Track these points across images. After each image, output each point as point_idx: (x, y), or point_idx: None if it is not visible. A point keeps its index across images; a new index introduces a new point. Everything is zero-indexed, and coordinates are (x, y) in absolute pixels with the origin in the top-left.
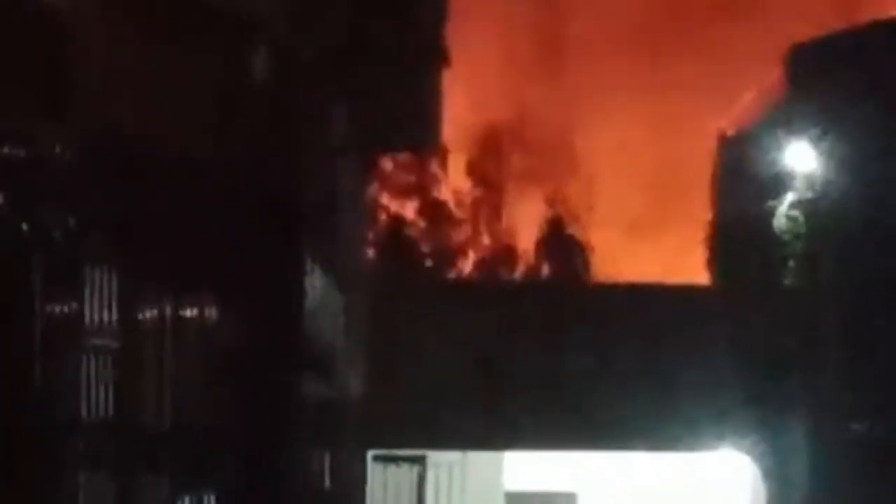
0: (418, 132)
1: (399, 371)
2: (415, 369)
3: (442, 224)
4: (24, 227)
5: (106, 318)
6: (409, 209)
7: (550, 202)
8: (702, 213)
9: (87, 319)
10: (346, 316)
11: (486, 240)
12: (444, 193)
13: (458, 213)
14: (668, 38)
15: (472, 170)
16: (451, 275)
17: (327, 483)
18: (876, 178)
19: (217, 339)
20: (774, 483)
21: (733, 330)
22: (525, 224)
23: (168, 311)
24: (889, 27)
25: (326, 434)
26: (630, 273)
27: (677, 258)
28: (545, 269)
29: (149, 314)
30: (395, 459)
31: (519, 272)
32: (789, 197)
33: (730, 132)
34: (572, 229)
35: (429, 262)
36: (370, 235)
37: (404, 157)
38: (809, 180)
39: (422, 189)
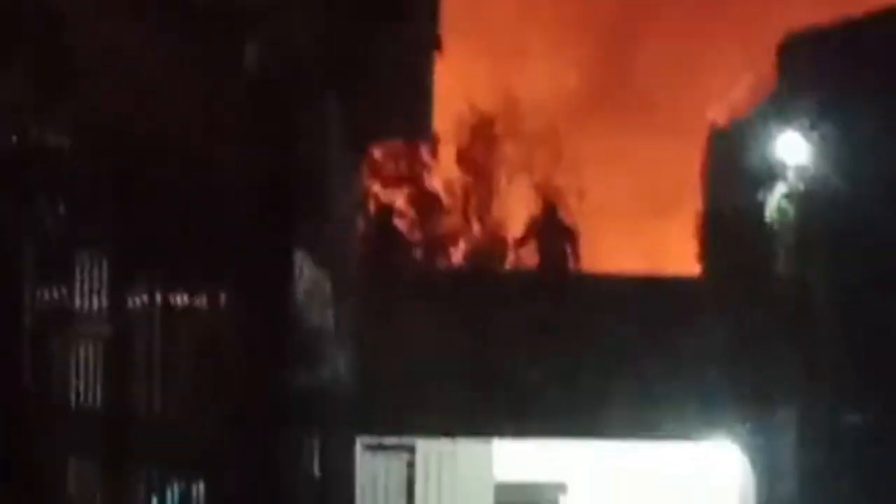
0: (409, 121)
1: (388, 358)
2: (404, 357)
3: (432, 213)
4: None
5: (96, 305)
6: (400, 198)
7: (541, 191)
8: (693, 204)
9: (77, 307)
10: (336, 303)
11: (476, 228)
12: (435, 182)
13: (449, 201)
14: (659, 26)
15: (463, 159)
16: (441, 263)
17: (317, 471)
18: (867, 170)
19: (207, 328)
20: (763, 474)
21: (723, 321)
22: (515, 213)
23: (158, 299)
24: (882, 19)
25: (316, 422)
26: (620, 263)
27: (668, 248)
28: (534, 258)
29: (139, 302)
30: (384, 448)
31: (509, 261)
32: (780, 188)
33: (721, 123)
34: (562, 218)
35: (419, 251)
36: (361, 223)
37: (395, 145)
38: (800, 172)
39: (412, 178)
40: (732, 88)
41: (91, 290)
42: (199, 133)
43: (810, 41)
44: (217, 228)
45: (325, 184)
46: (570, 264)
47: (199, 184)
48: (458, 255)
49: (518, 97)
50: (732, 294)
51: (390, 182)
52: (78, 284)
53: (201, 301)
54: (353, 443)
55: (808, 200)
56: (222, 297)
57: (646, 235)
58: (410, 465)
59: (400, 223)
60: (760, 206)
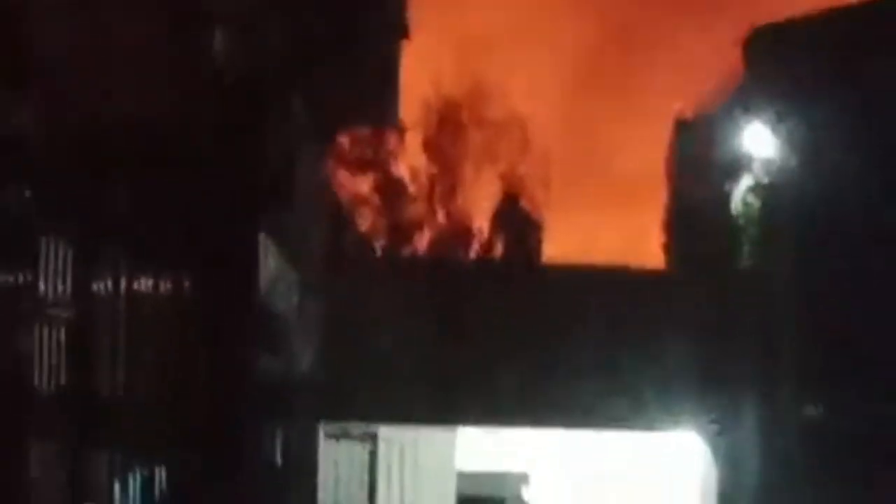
0: (376, 109)
1: (351, 346)
2: (367, 344)
3: (397, 200)
4: None
5: (61, 289)
6: (365, 185)
7: (506, 180)
8: (659, 196)
9: (41, 290)
10: (300, 291)
11: (441, 217)
12: (401, 170)
13: (414, 189)
14: (629, 16)
15: (429, 147)
16: (406, 251)
17: (279, 458)
18: (832, 163)
19: (171, 313)
20: (725, 463)
21: (688, 312)
22: (480, 202)
23: (123, 283)
24: (847, 13)
25: (279, 408)
26: (585, 254)
27: (633, 240)
28: (499, 247)
29: (104, 286)
30: (346, 437)
31: (473, 250)
32: (746, 182)
33: (687, 116)
34: (527, 207)
35: (383, 239)
36: (325, 211)
37: (362, 133)
38: (766, 165)
39: (378, 165)
40: (700, 81)
41: (56, 274)
42: (167, 119)
43: (775, 35)
44: (183, 213)
45: (291, 170)
46: (535, 254)
47: (165, 169)
48: (422, 243)
49: (485, 85)
50: (698, 286)
51: (356, 169)
52: (43, 268)
53: (166, 286)
54: (315, 430)
55: (773, 193)
56: (187, 282)
57: (612, 227)
58: (372, 454)
59: (365, 211)
60: (726, 199)
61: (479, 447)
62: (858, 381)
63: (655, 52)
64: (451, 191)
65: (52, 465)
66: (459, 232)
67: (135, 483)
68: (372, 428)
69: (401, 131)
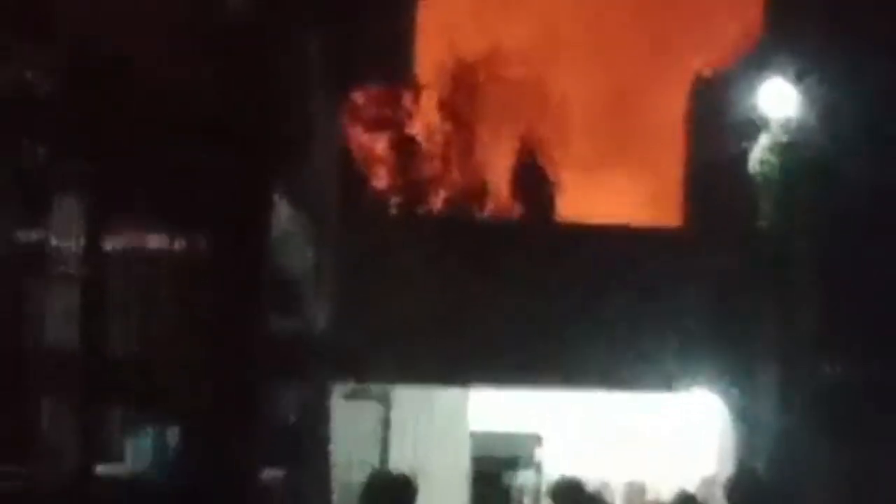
0: (391, 66)
1: (367, 305)
2: (383, 304)
3: (413, 159)
4: None
5: (73, 246)
6: (381, 143)
7: (523, 139)
8: (677, 154)
9: (53, 247)
10: (315, 249)
11: (456, 176)
12: (416, 128)
13: (430, 148)
14: None
15: (444, 105)
16: (421, 210)
17: (293, 418)
18: (851, 121)
19: (184, 271)
20: (744, 426)
21: (706, 272)
22: (497, 161)
23: (136, 241)
24: None
25: (293, 368)
26: (602, 213)
27: (651, 199)
28: (516, 207)
29: (116, 244)
30: (360, 398)
31: (489, 209)
32: (764, 140)
33: (706, 74)
34: (544, 166)
35: (399, 197)
36: (340, 168)
37: (377, 90)
38: (785, 124)
39: (394, 123)
40: (719, 38)
41: (69, 232)
42: (180, 76)
43: None
44: (196, 172)
45: (305, 127)
46: (552, 213)
47: (178, 126)
48: (438, 202)
49: (501, 44)
50: (715, 246)
51: (372, 127)
52: (55, 226)
53: (179, 244)
54: (329, 391)
55: (792, 152)
56: (200, 241)
57: (628, 186)
58: (386, 415)
59: (381, 169)
60: (744, 158)
61: (492, 408)
62: (877, 340)
63: (675, 9)
64: (467, 150)
65: (64, 424)
66: (475, 191)
67: (147, 442)
68: (386, 388)
69: (417, 89)
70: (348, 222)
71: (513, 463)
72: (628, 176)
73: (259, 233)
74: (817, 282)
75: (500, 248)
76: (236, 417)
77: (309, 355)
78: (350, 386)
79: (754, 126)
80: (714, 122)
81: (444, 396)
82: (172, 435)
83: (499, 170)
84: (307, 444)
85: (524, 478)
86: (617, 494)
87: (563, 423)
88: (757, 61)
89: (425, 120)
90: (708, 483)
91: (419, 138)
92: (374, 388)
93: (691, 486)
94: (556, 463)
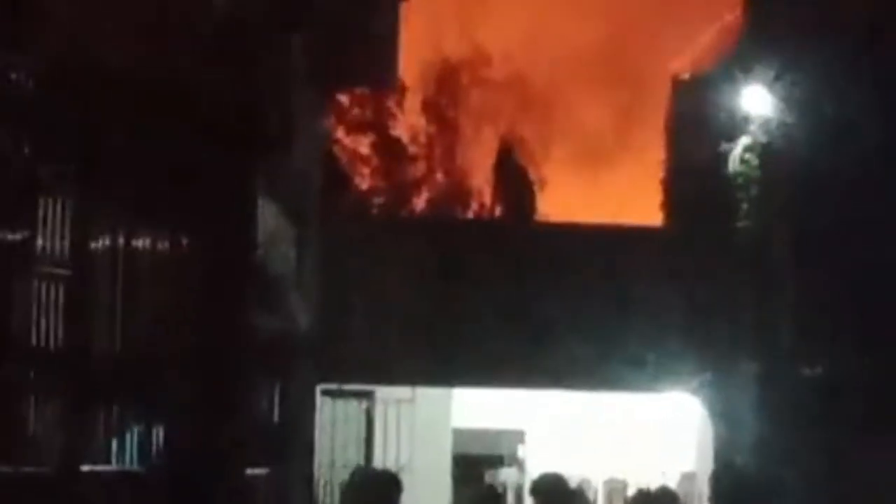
0: (375, 68)
1: (349, 306)
2: (365, 305)
3: (396, 160)
4: None
5: (59, 246)
6: (364, 145)
7: (505, 140)
8: (657, 154)
9: (39, 247)
10: (299, 249)
11: (440, 176)
12: (400, 129)
13: (413, 149)
14: None
15: (428, 107)
16: (405, 210)
17: (277, 416)
18: (831, 121)
19: (169, 270)
20: (722, 425)
21: (686, 271)
22: (480, 162)
23: (121, 240)
24: None
25: (277, 367)
26: (582, 212)
27: (630, 199)
28: (498, 207)
29: (101, 243)
30: (343, 395)
31: (472, 209)
32: (744, 140)
33: (685, 74)
34: (525, 166)
35: (382, 198)
36: (324, 169)
37: (361, 92)
38: (764, 124)
39: (377, 125)
40: (698, 38)
41: (54, 231)
42: (164, 74)
43: None
44: (181, 170)
45: (289, 128)
46: (531, 207)
47: (163, 125)
48: (421, 203)
49: (485, 45)
50: (695, 245)
51: (356, 128)
52: (41, 224)
53: (164, 243)
54: (313, 389)
55: (772, 152)
56: (185, 240)
57: (610, 185)
58: (369, 412)
59: (364, 170)
60: (724, 157)
61: (475, 405)
62: (856, 338)
63: (656, 9)
64: (451, 151)
65: (49, 424)
66: (458, 192)
67: (132, 442)
68: (369, 386)
69: (400, 91)
70: (332, 222)
71: (495, 459)
72: (609, 175)
73: (243, 233)
74: (796, 280)
75: (482, 249)
76: (220, 416)
77: (293, 354)
78: (333, 384)
79: (734, 125)
80: (694, 121)
81: (427, 394)
82: (157, 433)
83: (482, 170)
84: (291, 443)
85: (507, 474)
86: (598, 490)
87: (545, 420)
88: (737, 61)
89: (409, 121)
90: (688, 479)
91: (403, 139)
92: (357, 385)
93: (671, 482)
94: (539, 459)
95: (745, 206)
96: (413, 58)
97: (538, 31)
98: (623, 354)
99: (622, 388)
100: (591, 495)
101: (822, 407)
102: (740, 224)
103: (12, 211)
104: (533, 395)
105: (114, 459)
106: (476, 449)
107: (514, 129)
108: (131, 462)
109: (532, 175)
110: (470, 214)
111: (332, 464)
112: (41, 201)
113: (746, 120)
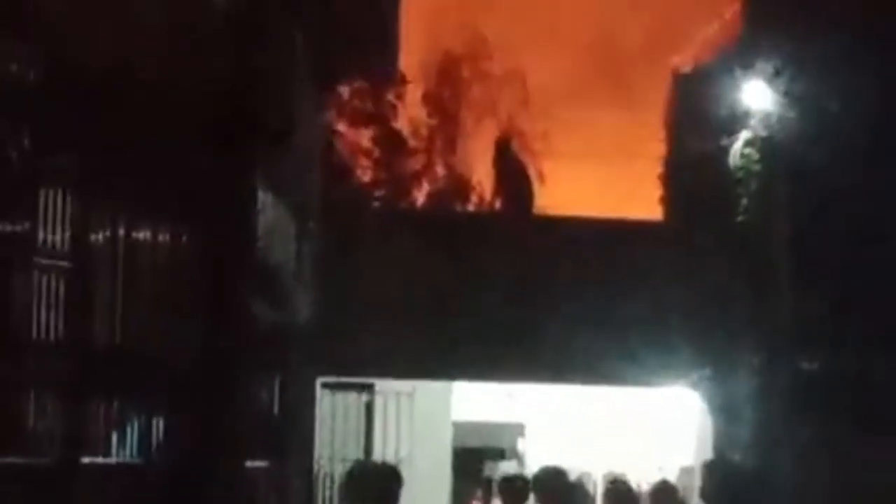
0: (376, 61)
1: (350, 299)
2: (365, 297)
3: (397, 153)
4: None
5: (59, 238)
6: (365, 137)
7: (505, 134)
8: (657, 148)
9: (39, 239)
10: (299, 242)
11: (440, 170)
12: (401, 123)
13: (414, 142)
14: None
15: (429, 99)
16: (405, 204)
17: (276, 408)
18: (832, 116)
19: (169, 262)
20: (722, 419)
21: (686, 266)
22: (480, 155)
23: (121, 233)
24: None
25: (276, 359)
26: (582, 206)
27: (630, 193)
28: (498, 200)
29: (101, 236)
30: (343, 387)
31: (472, 202)
32: (744, 134)
33: (685, 68)
34: (526, 160)
35: (383, 191)
36: (325, 162)
37: (361, 85)
38: (765, 118)
39: (378, 117)
40: (698, 32)
41: (54, 223)
42: (165, 67)
43: None
44: (182, 162)
45: (290, 121)
46: (533, 207)
47: (164, 118)
48: (421, 196)
49: (485, 38)
50: (694, 240)
51: (356, 121)
52: (41, 216)
53: (164, 236)
54: (312, 381)
55: (772, 146)
56: (185, 232)
57: (610, 179)
58: (369, 405)
59: (365, 163)
60: (724, 152)
61: (476, 398)
62: (855, 331)
63: (655, 3)
64: (451, 144)
65: (49, 417)
66: (458, 185)
67: (132, 434)
68: (368, 379)
69: (401, 84)
70: (332, 215)
71: (495, 453)
72: (609, 169)
73: (243, 226)
74: (796, 274)
75: (482, 242)
76: (220, 409)
77: (292, 347)
78: (332, 377)
79: (735, 120)
80: (694, 115)
81: (427, 387)
82: (157, 426)
83: (482, 163)
84: (290, 436)
85: (506, 467)
86: (598, 484)
87: (545, 414)
88: (737, 56)
89: (409, 114)
90: (687, 473)
91: (404, 132)
92: (357, 379)
93: (671, 476)
94: (538, 452)
95: (744, 200)
96: (414, 51)
97: (539, 24)
98: (623, 348)
99: (622, 381)
100: (590, 488)
101: (821, 402)
102: (740, 218)
103: (12, 203)
104: (533, 389)
105: (113, 452)
106: (476, 442)
107: (515, 123)
108: (131, 454)
109: (532, 169)
110: (470, 207)
111: (332, 457)
112: (41, 193)
113: (747, 114)
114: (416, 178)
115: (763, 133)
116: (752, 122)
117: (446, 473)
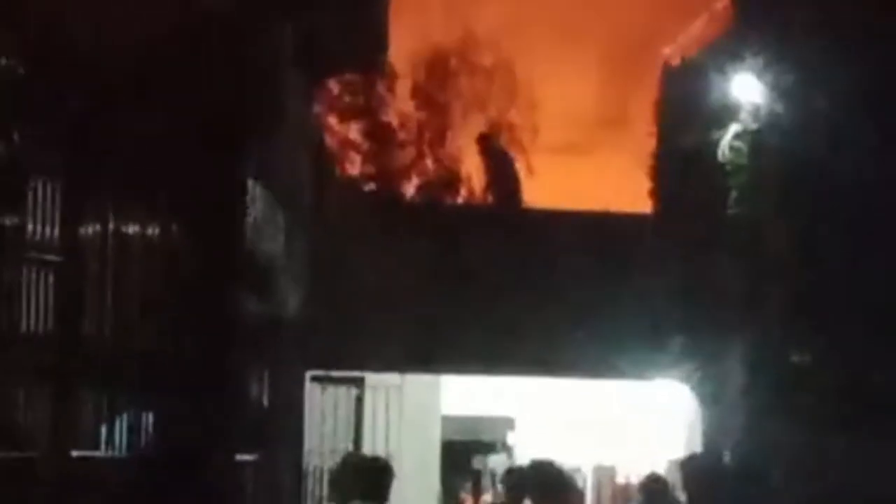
0: (365, 52)
1: (339, 292)
2: (355, 291)
3: (386, 146)
4: None
5: (48, 231)
6: (354, 130)
7: (494, 127)
8: (646, 141)
9: (29, 232)
10: (288, 235)
11: (429, 163)
12: (389, 115)
13: (403, 135)
14: None
15: (418, 93)
16: (394, 197)
17: (266, 402)
18: (821, 109)
19: (158, 256)
20: (712, 412)
21: (675, 259)
22: (469, 147)
23: (111, 226)
24: None
25: (266, 353)
26: (571, 199)
27: (619, 186)
28: (487, 193)
29: (91, 229)
30: (332, 381)
31: (461, 196)
32: (734, 128)
33: (675, 61)
34: (508, 149)
35: (372, 184)
36: (314, 155)
37: (351, 77)
38: (754, 111)
39: (367, 110)
40: (689, 25)
41: (44, 217)
42: (153, 60)
43: None
44: (170, 156)
45: (278, 114)
46: (522, 200)
47: (152, 111)
48: (410, 189)
49: (474, 31)
50: (684, 232)
51: (345, 114)
52: (31, 210)
53: (153, 229)
54: (302, 375)
55: (761, 140)
56: (174, 225)
57: (599, 172)
58: (358, 399)
59: (353, 156)
60: (714, 144)
61: (465, 391)
62: (846, 327)
63: None
64: (440, 137)
65: (38, 410)
66: (448, 177)
67: (121, 428)
68: (358, 372)
69: (390, 77)
70: (321, 209)
71: (485, 446)
72: (598, 162)
73: (233, 219)
74: (786, 268)
75: (472, 235)
76: (209, 402)
77: (281, 340)
78: (322, 371)
79: (724, 113)
80: (683, 108)
81: (417, 381)
82: (146, 419)
83: (471, 156)
84: (280, 429)
85: (496, 461)
86: (587, 477)
87: (534, 407)
88: (727, 48)
89: (398, 107)
90: (677, 466)
91: (393, 125)
92: (346, 372)
93: (660, 469)
94: (528, 446)
95: (734, 193)
96: (403, 43)
97: (528, 17)
98: (613, 342)
99: (612, 375)
100: (580, 482)
101: (813, 397)
102: (730, 211)
103: (1, 196)
104: (522, 383)
105: (103, 445)
106: (465, 436)
107: (504, 116)
108: (120, 448)
109: (520, 161)
110: (459, 200)
111: (321, 450)
112: (31, 186)
113: (736, 107)
114: (406, 170)
115: (753, 126)
116: (742, 114)
117: (435, 467)
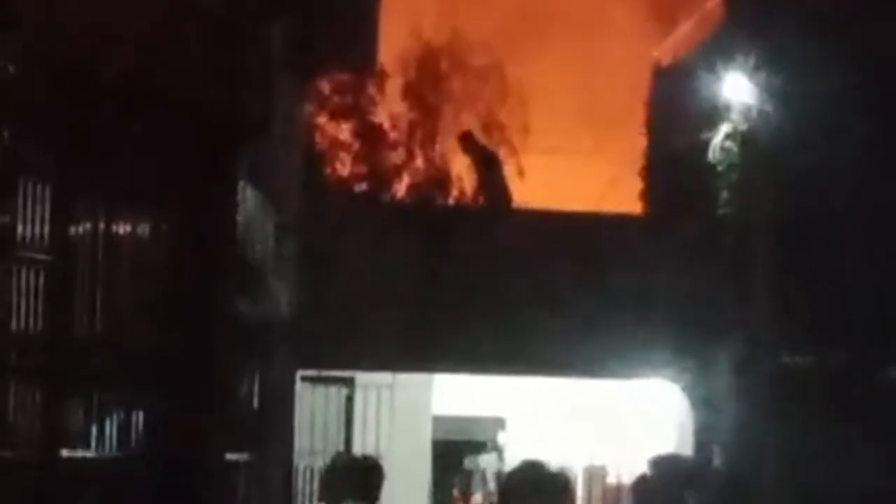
0: (356, 54)
1: (329, 292)
2: (345, 291)
3: (376, 146)
4: None
5: (39, 231)
6: (345, 131)
7: (484, 127)
8: (637, 141)
9: (19, 232)
10: (279, 235)
11: (420, 163)
12: (380, 116)
13: (394, 135)
14: None
15: (409, 93)
16: (385, 197)
17: (256, 402)
18: (812, 109)
19: (149, 255)
20: (703, 413)
21: (666, 259)
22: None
23: (101, 225)
24: None
25: (257, 353)
26: (562, 200)
27: (611, 186)
28: (478, 194)
29: (81, 228)
30: (323, 381)
31: (452, 195)
32: (724, 128)
33: (665, 61)
34: (504, 153)
35: (363, 184)
36: (304, 155)
37: (341, 77)
38: (745, 111)
39: (358, 110)
40: (679, 26)
41: (34, 216)
42: (144, 62)
43: None
44: (160, 156)
45: (269, 113)
46: (512, 200)
47: (143, 112)
48: (401, 189)
49: (465, 31)
50: (675, 233)
51: (336, 115)
52: (20, 209)
53: (144, 228)
54: (293, 374)
55: (752, 140)
56: (165, 225)
57: (590, 172)
58: (349, 398)
59: (344, 156)
60: (704, 145)
61: (456, 391)
62: (835, 327)
63: None
64: (431, 137)
65: (27, 410)
66: (438, 177)
67: (112, 427)
68: (349, 372)
69: (381, 77)
70: (312, 209)
71: (476, 446)
72: (588, 162)
73: (223, 219)
74: (776, 268)
75: (462, 235)
76: (200, 402)
77: (272, 340)
78: (313, 370)
79: (715, 113)
80: (674, 108)
81: (408, 380)
82: (137, 419)
83: (462, 156)
84: (271, 429)
85: (486, 461)
86: (578, 477)
87: (525, 407)
88: (718, 49)
89: (389, 107)
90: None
91: (383, 125)
92: (337, 372)
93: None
94: (519, 446)
95: (725, 193)
96: (394, 44)
97: (519, 17)
98: (604, 342)
99: (603, 375)
100: (571, 481)
101: (803, 395)
102: (720, 212)
103: None
104: (513, 382)
105: (94, 445)
106: (456, 435)
107: (495, 116)
108: (111, 448)
109: (510, 161)
110: (450, 200)
111: (312, 450)
112: (21, 186)
113: (727, 108)
114: (396, 171)
115: (743, 126)
116: (733, 115)
117: (426, 467)
